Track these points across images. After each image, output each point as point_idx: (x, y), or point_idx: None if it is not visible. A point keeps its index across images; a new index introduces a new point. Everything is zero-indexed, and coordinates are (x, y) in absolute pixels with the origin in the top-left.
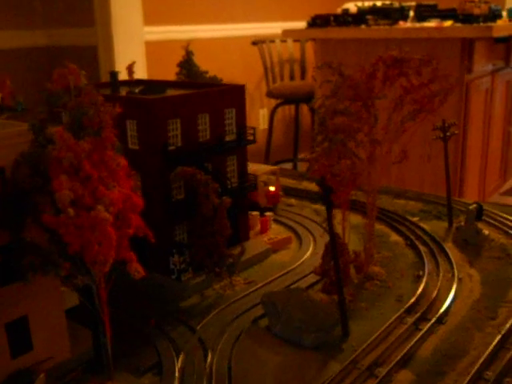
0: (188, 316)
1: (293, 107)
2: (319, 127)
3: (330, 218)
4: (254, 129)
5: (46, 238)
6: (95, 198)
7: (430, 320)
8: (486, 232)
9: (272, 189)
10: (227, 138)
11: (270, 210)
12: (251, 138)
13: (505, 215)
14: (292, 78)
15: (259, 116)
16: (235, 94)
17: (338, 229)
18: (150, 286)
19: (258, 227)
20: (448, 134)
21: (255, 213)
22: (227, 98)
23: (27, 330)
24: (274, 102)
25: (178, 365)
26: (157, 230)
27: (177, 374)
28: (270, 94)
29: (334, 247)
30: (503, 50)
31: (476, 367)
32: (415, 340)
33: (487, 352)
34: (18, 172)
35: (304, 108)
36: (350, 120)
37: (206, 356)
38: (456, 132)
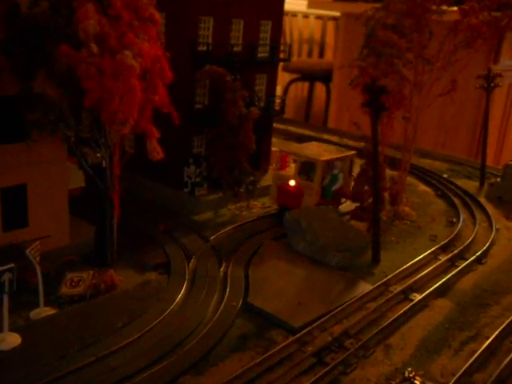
0: (201, 228)
1: (306, 87)
2: (367, 40)
3: (375, 124)
4: (290, 45)
5: (59, 92)
6: (123, 43)
7: (467, 259)
8: None
9: (292, 183)
10: (260, 54)
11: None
12: (285, 56)
13: None
14: (310, 55)
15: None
16: (274, 5)
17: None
18: (161, 197)
19: (278, 163)
20: (492, 84)
21: (275, 148)
22: (265, 7)
23: (24, 202)
24: (287, 79)
25: (189, 267)
26: (174, 138)
27: (187, 276)
28: (287, 69)
29: (377, 161)
30: None
31: None
32: (453, 274)
33: None
34: (37, 7)
35: (319, 86)
36: (400, 37)
37: (220, 263)
38: (500, 85)
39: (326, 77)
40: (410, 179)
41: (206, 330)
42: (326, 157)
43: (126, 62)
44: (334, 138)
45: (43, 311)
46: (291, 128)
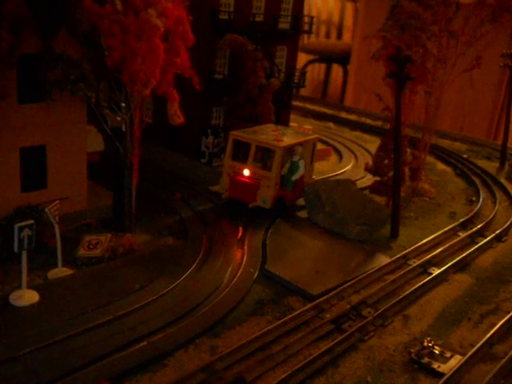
0: (217, 197)
1: (323, 68)
2: (391, 11)
3: (399, 94)
4: (312, 18)
5: (80, 51)
6: (147, 2)
7: (487, 236)
8: None
9: (246, 173)
10: (281, 24)
11: None
12: (307, 28)
13: None
14: (328, 36)
15: None
16: None
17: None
18: (179, 168)
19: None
20: None
21: (294, 124)
22: None
23: (43, 163)
24: (304, 61)
25: (206, 234)
26: (193, 108)
27: (204, 241)
28: (304, 49)
29: (398, 132)
30: None
31: None
32: (472, 250)
33: None
34: None
35: (336, 68)
36: (425, 9)
37: (237, 231)
38: None
39: (343, 59)
40: (428, 158)
41: (223, 294)
42: (286, 142)
43: (150, 20)
44: (352, 117)
45: (61, 271)
46: (308, 105)
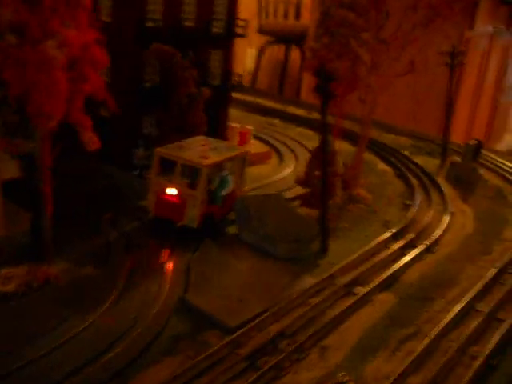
0: (146, 214)
1: (282, 50)
2: (322, 18)
3: (324, 111)
4: (246, 21)
5: None
6: (45, 32)
7: (418, 247)
8: (481, 171)
9: (172, 192)
10: (214, 29)
11: None
12: (241, 31)
13: (500, 159)
14: (286, 17)
15: (247, 55)
16: None
17: (330, 137)
18: (108, 179)
19: (236, 140)
20: (455, 61)
21: (235, 124)
22: None
23: None
24: (263, 41)
25: (128, 261)
26: (123, 118)
27: (125, 268)
28: (261, 30)
29: (325, 148)
30: (507, 12)
31: (468, 297)
32: (401, 264)
33: (481, 283)
34: None
35: (294, 50)
36: (357, 16)
37: (161, 254)
38: (464, 62)
39: (300, 40)
40: (369, 157)
41: (138, 330)
42: (212, 160)
43: (48, 52)
44: (301, 112)
45: None
46: (259, 100)
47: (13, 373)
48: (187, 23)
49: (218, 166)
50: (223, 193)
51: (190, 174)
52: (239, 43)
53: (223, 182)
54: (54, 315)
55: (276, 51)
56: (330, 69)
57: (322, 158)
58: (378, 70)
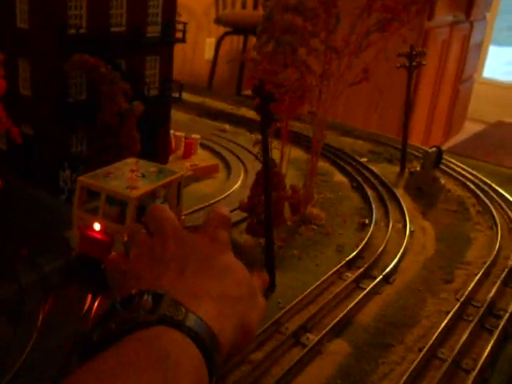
0: (71, 248)
1: (242, 39)
2: (265, 23)
3: (265, 135)
4: (184, 24)
5: None
6: None
7: (374, 278)
8: (443, 181)
9: (97, 227)
10: (149, 32)
11: None
12: (180, 35)
13: (462, 165)
14: (244, 7)
15: (205, 45)
16: None
17: (275, 156)
18: (30, 205)
19: (181, 151)
20: (414, 63)
21: (179, 133)
22: None
23: None
24: (222, 31)
25: (45, 308)
26: (46, 136)
27: (40, 322)
28: (218, 21)
29: (267, 173)
30: (466, 0)
31: (430, 342)
32: (355, 302)
33: (443, 323)
34: None
35: (253, 40)
36: (304, 20)
37: (83, 302)
38: (424, 63)
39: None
40: (325, 166)
41: None
42: (141, 189)
43: None
44: (253, 114)
45: None
46: (208, 100)
47: None
48: (116, 29)
49: (150, 195)
50: None
51: (117, 204)
52: (200, 33)
53: None
54: None
55: (235, 42)
56: (276, 80)
57: (264, 182)
58: (329, 80)
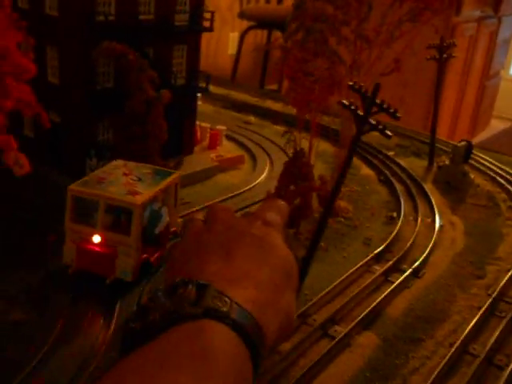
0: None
1: (265, 33)
2: (295, 12)
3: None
4: (212, 13)
5: None
6: None
7: (403, 271)
8: (472, 176)
9: (97, 240)
10: (177, 20)
11: None
12: (208, 24)
13: (492, 160)
14: (268, 1)
15: (229, 39)
16: None
17: (304, 147)
18: (55, 191)
19: (206, 142)
20: (445, 55)
21: (205, 124)
22: None
23: None
24: (246, 25)
25: (70, 296)
26: (74, 124)
27: (65, 313)
28: (242, 15)
29: (345, 170)
30: None
31: (461, 337)
32: (384, 295)
33: (475, 319)
34: None
35: (277, 35)
36: (335, 8)
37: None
38: (454, 55)
39: (283, 25)
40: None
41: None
42: (144, 195)
43: None
44: (278, 107)
45: None
46: (233, 93)
47: None
48: (145, 16)
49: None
50: (157, 230)
51: (112, 212)
52: (224, 27)
53: (156, 217)
54: None
55: (259, 37)
56: (306, 69)
57: (295, 172)
58: (359, 71)
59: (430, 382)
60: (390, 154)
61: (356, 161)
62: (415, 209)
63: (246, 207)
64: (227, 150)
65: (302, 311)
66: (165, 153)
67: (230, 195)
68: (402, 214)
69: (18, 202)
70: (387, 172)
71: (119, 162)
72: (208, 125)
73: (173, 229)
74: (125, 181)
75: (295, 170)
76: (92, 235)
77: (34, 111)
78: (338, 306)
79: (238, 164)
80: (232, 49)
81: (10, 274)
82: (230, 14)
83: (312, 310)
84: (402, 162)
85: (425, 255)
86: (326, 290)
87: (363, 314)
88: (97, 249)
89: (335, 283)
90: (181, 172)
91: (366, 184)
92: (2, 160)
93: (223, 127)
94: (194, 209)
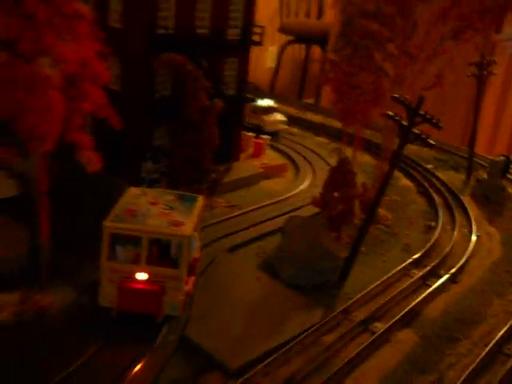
0: None
1: (303, 48)
2: (343, 28)
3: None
4: (263, 28)
5: None
6: (40, 47)
7: (441, 276)
8: (510, 190)
9: (143, 277)
10: (230, 35)
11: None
12: (257, 38)
13: None
14: (308, 16)
15: (267, 53)
16: None
17: (349, 155)
18: (116, 193)
19: (251, 150)
20: (485, 72)
21: (250, 134)
22: None
23: None
24: (284, 39)
25: None
26: (133, 129)
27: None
28: (282, 29)
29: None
30: None
31: (496, 338)
32: (423, 296)
33: (510, 322)
34: None
35: (315, 50)
36: (381, 26)
37: None
38: (495, 72)
39: (322, 40)
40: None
41: (134, 372)
42: (189, 225)
43: (40, 71)
44: (317, 118)
45: None
46: (276, 105)
47: None
48: (201, 30)
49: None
50: (191, 258)
51: (133, 244)
52: (264, 41)
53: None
54: (41, 352)
55: (297, 51)
56: (353, 82)
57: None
58: (401, 85)
59: (464, 377)
60: (429, 166)
61: (396, 172)
62: (453, 219)
63: (289, 212)
64: (271, 158)
65: (343, 308)
66: (215, 159)
67: (273, 201)
68: (440, 223)
69: (89, 202)
70: (426, 184)
71: (135, 190)
72: (252, 134)
73: (196, 255)
74: (158, 211)
75: (339, 177)
76: (135, 272)
77: (105, 114)
78: (377, 304)
79: (282, 172)
80: (270, 62)
81: (82, 267)
82: (271, 28)
83: (353, 307)
84: (441, 175)
85: (462, 262)
86: (367, 289)
87: (403, 312)
88: (143, 287)
89: (375, 284)
90: (228, 178)
91: (405, 194)
92: (73, 158)
93: (267, 137)
94: (241, 211)
